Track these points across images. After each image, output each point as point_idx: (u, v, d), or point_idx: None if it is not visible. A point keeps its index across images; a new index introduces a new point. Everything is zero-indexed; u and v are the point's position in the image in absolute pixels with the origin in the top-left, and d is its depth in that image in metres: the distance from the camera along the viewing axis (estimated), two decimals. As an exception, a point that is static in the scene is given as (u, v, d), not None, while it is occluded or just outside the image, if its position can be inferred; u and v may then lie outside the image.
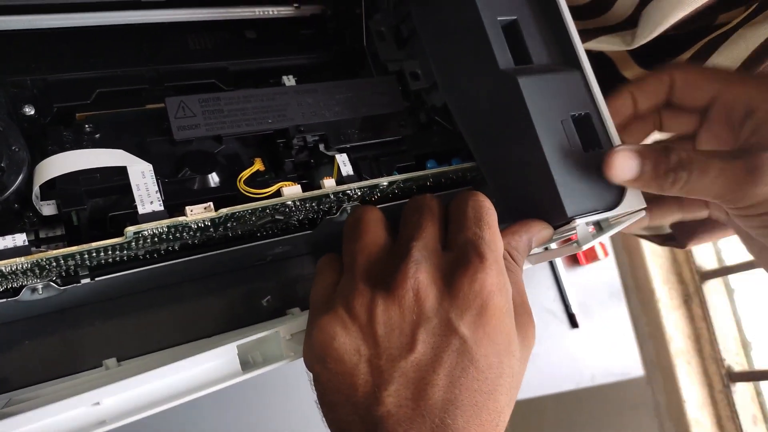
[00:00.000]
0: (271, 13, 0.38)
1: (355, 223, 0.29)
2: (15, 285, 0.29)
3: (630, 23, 0.35)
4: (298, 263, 0.41)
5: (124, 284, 0.33)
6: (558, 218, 0.29)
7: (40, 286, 0.29)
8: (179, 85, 0.34)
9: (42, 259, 0.26)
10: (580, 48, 0.31)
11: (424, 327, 0.25)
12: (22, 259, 0.25)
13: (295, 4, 0.39)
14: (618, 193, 0.30)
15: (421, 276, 0.26)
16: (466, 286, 0.26)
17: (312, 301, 0.29)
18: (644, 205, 0.30)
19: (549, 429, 0.49)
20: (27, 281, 0.29)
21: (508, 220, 0.32)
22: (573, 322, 0.52)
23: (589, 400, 0.50)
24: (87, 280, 0.30)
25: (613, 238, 0.57)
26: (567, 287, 0.52)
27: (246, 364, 0.29)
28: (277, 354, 0.30)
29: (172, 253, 0.31)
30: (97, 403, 0.23)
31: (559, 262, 0.52)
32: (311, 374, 0.27)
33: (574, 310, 0.52)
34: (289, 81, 0.35)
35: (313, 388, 0.27)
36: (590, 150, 0.29)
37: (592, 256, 0.53)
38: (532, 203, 0.30)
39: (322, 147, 0.33)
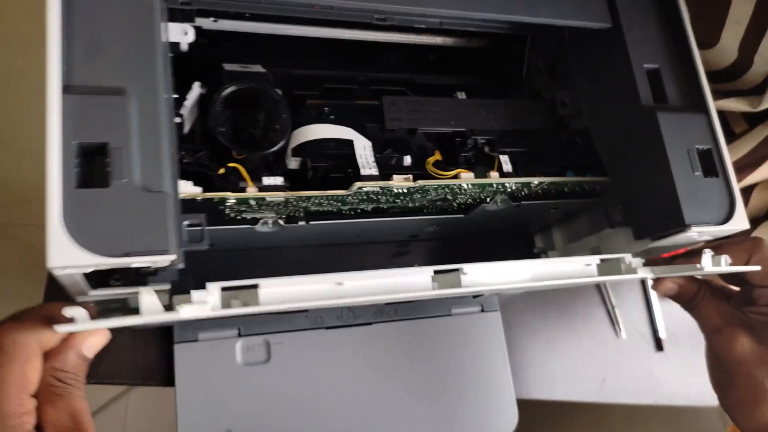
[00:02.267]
0: (449, 42, 0.48)
1: None
2: (254, 216, 0.39)
3: (758, 90, 0.42)
4: (441, 245, 0.50)
5: (323, 233, 0.43)
6: (676, 224, 0.36)
7: (270, 221, 0.39)
8: (378, 89, 0.44)
9: (290, 198, 0.36)
10: (709, 97, 0.39)
11: None
12: (282, 194, 0.35)
13: (467, 38, 0.48)
14: (727, 215, 0.37)
15: None
16: None
17: None
18: (747, 227, 0.37)
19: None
20: (263, 215, 0.39)
21: (630, 225, 0.39)
22: (659, 346, 0.58)
23: (663, 418, 0.56)
24: (303, 223, 0.40)
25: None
26: (657, 314, 0.59)
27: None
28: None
29: (363, 214, 0.41)
30: (341, 283, 0.32)
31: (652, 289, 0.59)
32: None
33: (661, 335, 0.58)
34: (460, 95, 0.45)
35: None
36: (709, 177, 0.37)
37: (683, 286, 0.59)
38: (656, 211, 0.37)
39: (486, 149, 0.41)
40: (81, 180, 0.26)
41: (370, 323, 0.51)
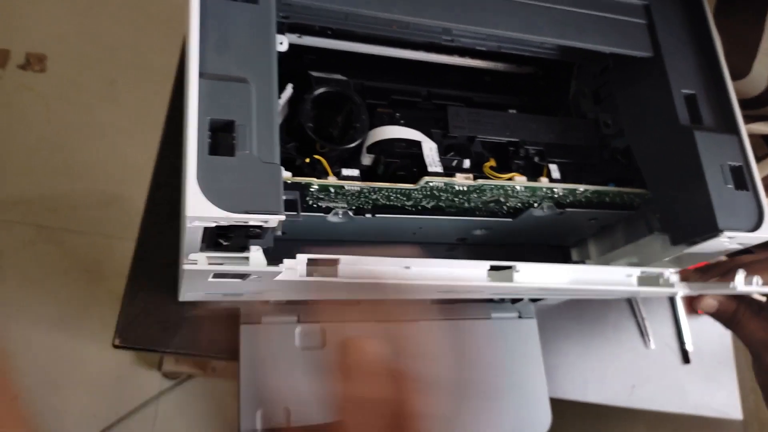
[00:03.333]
0: (502, 67, 0.53)
1: None
2: (328, 205, 0.43)
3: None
4: (486, 251, 0.54)
5: (383, 229, 0.47)
6: (710, 230, 0.40)
7: (340, 212, 0.44)
8: (440, 103, 0.49)
9: (364, 188, 0.41)
10: (740, 120, 0.43)
11: None
12: (358, 183, 0.40)
13: (518, 64, 0.53)
14: (756, 224, 0.41)
15: None
16: None
17: None
18: (774, 237, 0.41)
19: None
20: (336, 205, 0.43)
21: (668, 231, 0.43)
22: (686, 358, 0.61)
23: (688, 425, 0.59)
24: (369, 215, 0.44)
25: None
26: (684, 328, 0.62)
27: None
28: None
29: (423, 211, 0.46)
30: (408, 267, 0.36)
31: (680, 305, 0.62)
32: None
33: (688, 348, 0.61)
34: (512, 113, 0.49)
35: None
36: (740, 190, 0.41)
37: (709, 306, 0.62)
38: (691, 219, 0.41)
39: (536, 158, 0.46)
40: (212, 148, 0.30)
41: (417, 320, 0.55)
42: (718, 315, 0.47)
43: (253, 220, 0.30)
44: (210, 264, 0.30)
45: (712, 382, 0.61)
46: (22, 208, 1.23)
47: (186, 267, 0.30)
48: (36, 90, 1.30)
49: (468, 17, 0.40)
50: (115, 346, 0.48)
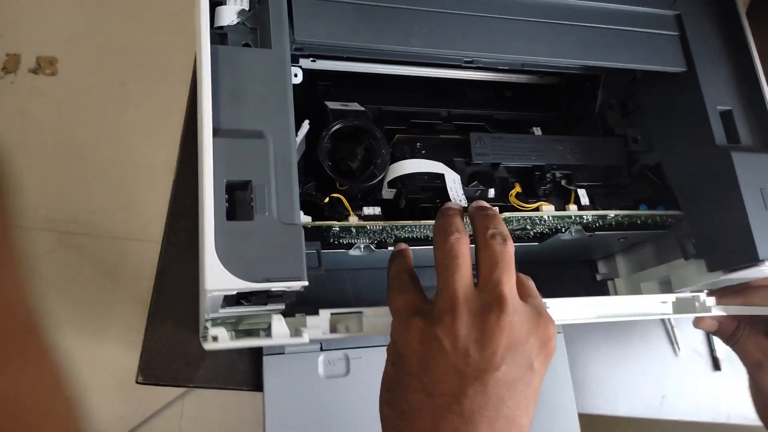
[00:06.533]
0: (524, 80, 0.51)
1: (453, 254, 0.33)
2: (350, 242, 0.42)
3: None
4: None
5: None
6: (750, 259, 0.38)
7: (362, 246, 0.43)
8: (460, 124, 0.47)
9: (386, 226, 0.39)
10: (780, 137, 0.41)
11: (511, 354, 0.30)
12: (381, 223, 0.39)
13: (540, 76, 0.51)
14: (799, 250, 0.39)
15: (516, 317, 0.31)
16: (541, 331, 0.32)
17: (401, 307, 0.33)
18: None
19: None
20: (359, 240, 0.42)
21: (704, 257, 0.42)
22: (716, 365, 0.60)
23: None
24: (391, 248, 0.43)
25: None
26: (713, 336, 0.60)
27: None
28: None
29: (447, 240, 0.44)
30: None
31: (710, 313, 0.60)
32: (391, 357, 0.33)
33: (718, 355, 0.60)
34: (537, 131, 0.47)
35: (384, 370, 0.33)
36: (781, 214, 0.39)
37: (742, 313, 0.61)
38: (729, 245, 0.40)
39: (563, 182, 0.44)
40: (229, 213, 0.29)
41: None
42: (719, 334, 0.46)
43: (276, 287, 0.29)
44: (232, 340, 0.29)
45: (744, 388, 0.59)
46: (41, 214, 1.23)
47: (206, 347, 0.29)
48: (48, 93, 1.29)
49: (490, 46, 0.38)
50: (139, 383, 0.48)
